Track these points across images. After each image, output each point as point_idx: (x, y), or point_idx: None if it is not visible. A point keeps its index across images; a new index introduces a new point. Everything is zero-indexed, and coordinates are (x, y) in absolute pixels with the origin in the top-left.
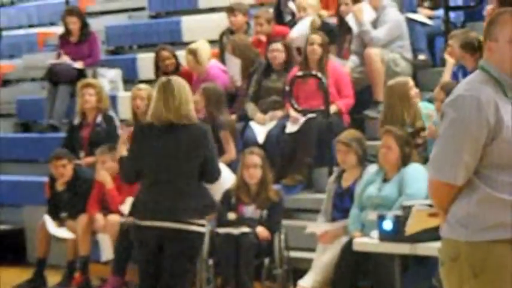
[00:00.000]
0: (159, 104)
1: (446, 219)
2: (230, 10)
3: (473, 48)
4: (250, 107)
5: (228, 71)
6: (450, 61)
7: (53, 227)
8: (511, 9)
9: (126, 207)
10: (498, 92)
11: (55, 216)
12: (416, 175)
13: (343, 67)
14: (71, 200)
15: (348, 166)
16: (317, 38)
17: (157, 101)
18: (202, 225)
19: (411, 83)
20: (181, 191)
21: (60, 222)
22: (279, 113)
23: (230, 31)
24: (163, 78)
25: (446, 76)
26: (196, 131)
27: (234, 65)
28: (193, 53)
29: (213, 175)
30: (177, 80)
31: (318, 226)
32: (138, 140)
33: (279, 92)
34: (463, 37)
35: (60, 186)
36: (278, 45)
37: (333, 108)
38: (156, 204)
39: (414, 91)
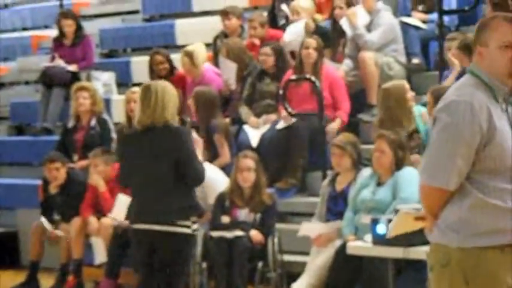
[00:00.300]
0: (139, 108)
1: (436, 224)
2: (224, 13)
3: (472, 50)
4: (244, 111)
5: (222, 75)
6: (456, 63)
7: (50, 226)
8: (502, 14)
9: (116, 212)
10: (489, 97)
11: (48, 219)
12: (410, 179)
13: (337, 71)
14: (64, 203)
15: (342, 169)
16: (312, 42)
17: (138, 106)
18: (187, 227)
19: (407, 86)
20: (160, 193)
21: (54, 225)
22: (273, 117)
23: (224, 34)
24: (145, 83)
25: (451, 79)
26: (170, 134)
27: (229, 68)
28: (190, 55)
29: (193, 177)
30: (158, 84)
31: (312, 228)
32: (124, 144)
33: (273, 96)
34: (461, 39)
35: (53, 189)
36: (267, 49)
37: (337, 123)
38: (141, 207)
39: (410, 94)
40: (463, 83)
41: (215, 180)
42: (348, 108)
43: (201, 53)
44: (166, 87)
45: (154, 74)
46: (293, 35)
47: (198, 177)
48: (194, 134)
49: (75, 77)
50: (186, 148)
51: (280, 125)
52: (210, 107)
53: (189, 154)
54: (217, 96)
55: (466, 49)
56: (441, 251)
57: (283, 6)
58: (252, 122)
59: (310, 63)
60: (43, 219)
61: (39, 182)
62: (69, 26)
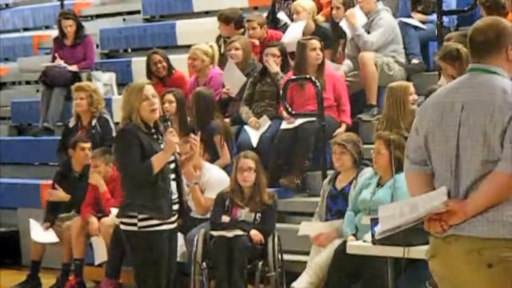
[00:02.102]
0: None
1: (493, 220)
2: (219, 19)
3: (454, 58)
4: (244, 111)
5: (224, 78)
6: None
7: (36, 233)
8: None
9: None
10: None
11: (55, 216)
12: None
13: (337, 71)
14: (84, 188)
15: (343, 168)
16: (317, 43)
17: None
18: (133, 224)
19: (412, 89)
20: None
21: (61, 222)
22: (273, 117)
23: None
24: None
25: (442, 79)
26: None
27: (237, 78)
28: (211, 55)
29: (126, 177)
30: (132, 84)
31: (312, 227)
32: None
33: (273, 96)
34: (442, 48)
35: (77, 168)
36: (275, 50)
37: (343, 129)
38: None
39: (413, 98)
40: (506, 82)
41: (219, 179)
42: (349, 109)
43: (216, 51)
44: (133, 86)
45: (152, 73)
46: (292, 35)
47: (126, 177)
48: (174, 138)
49: (75, 77)
50: (118, 147)
51: (284, 125)
52: (209, 108)
53: (118, 153)
54: (215, 98)
55: (447, 57)
56: (506, 246)
57: (280, 15)
58: (252, 123)
59: (316, 65)
60: (32, 223)
61: (40, 181)
62: (69, 26)
